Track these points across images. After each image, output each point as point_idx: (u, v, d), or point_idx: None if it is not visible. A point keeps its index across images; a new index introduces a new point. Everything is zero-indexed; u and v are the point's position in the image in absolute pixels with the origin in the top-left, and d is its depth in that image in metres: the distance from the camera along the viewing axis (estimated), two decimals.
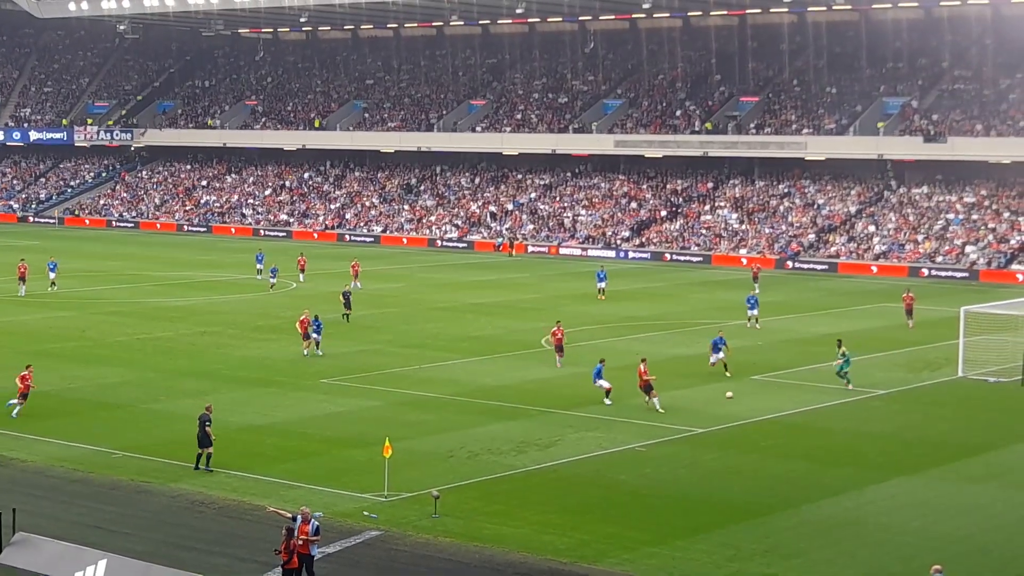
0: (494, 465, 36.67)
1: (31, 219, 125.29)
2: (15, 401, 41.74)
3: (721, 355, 49.79)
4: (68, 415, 42.25)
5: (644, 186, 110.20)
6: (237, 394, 45.48)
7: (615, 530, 30.94)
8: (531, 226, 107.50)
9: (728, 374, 48.98)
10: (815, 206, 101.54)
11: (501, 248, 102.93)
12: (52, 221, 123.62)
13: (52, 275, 72.23)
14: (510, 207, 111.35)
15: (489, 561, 28.88)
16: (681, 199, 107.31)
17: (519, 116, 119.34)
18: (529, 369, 51.25)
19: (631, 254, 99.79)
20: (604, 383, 44.50)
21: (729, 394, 45.49)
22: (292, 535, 26.65)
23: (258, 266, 78.67)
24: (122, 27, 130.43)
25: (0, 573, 28.01)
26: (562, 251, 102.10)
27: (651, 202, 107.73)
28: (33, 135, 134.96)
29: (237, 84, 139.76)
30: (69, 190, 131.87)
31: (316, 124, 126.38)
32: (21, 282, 69.58)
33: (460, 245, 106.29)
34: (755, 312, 62.56)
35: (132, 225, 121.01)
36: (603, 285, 72.62)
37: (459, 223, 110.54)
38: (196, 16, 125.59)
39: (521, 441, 39.34)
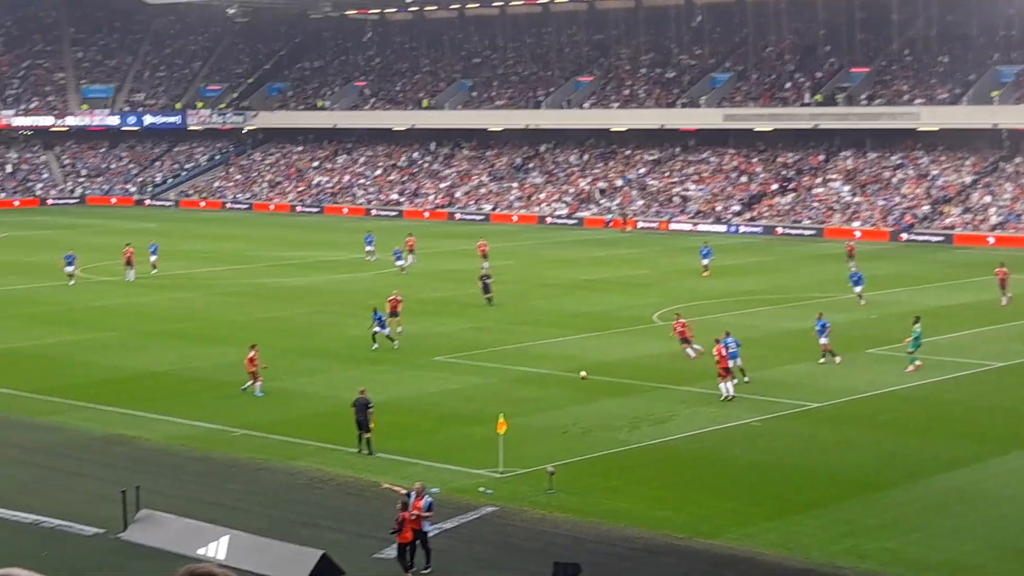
0: (608, 441, 36.75)
1: (147, 202, 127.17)
2: (249, 384, 42.40)
3: (825, 340, 46.94)
4: (188, 394, 42.96)
5: (754, 159, 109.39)
6: (352, 372, 45.90)
7: (731, 505, 30.89)
8: (640, 202, 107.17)
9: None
10: (929, 177, 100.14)
11: (612, 224, 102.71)
12: (168, 204, 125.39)
13: (153, 258, 72.64)
14: (619, 183, 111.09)
15: (605, 537, 28.97)
16: (792, 172, 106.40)
17: (627, 92, 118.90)
18: (642, 345, 51.13)
19: (742, 228, 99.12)
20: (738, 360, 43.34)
21: (583, 373, 43.34)
22: (407, 508, 26.97)
23: (368, 247, 78.69)
24: (232, 11, 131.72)
25: (125, 549, 28.62)
26: (672, 226, 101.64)
27: (761, 176, 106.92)
28: (148, 119, 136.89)
29: (346, 65, 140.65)
30: (184, 173, 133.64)
31: (424, 104, 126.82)
32: (128, 266, 69.98)
33: (570, 222, 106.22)
34: (859, 289, 61.16)
35: (246, 207, 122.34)
36: (707, 262, 71.80)
37: (568, 200, 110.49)
38: None
39: (635, 417, 39.36)
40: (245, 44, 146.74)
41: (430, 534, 27.55)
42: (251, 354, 42.60)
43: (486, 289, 60.82)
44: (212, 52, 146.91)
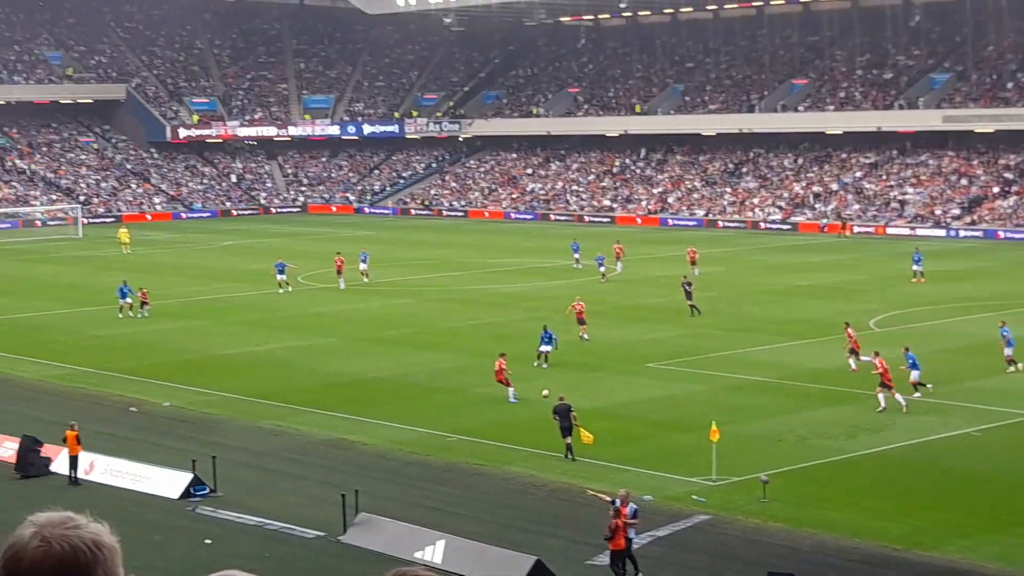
0: (824, 450, 36.33)
1: (366, 210, 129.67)
2: (512, 392, 42.98)
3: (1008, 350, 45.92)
4: (404, 399, 43.74)
5: (975, 162, 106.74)
6: (565, 378, 46.15)
7: (950, 517, 30.31)
8: (856, 206, 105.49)
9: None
10: None
11: (826, 229, 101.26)
12: (386, 212, 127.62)
13: (363, 266, 73.41)
14: (834, 187, 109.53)
15: (820, 547, 28.69)
16: (1015, 174, 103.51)
17: (842, 94, 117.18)
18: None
19: (962, 232, 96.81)
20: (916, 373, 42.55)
21: (545, 392, 41.12)
22: (619, 515, 27.13)
23: (575, 255, 78.61)
24: (448, 20, 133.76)
25: (344, 552, 29.31)
26: (889, 231, 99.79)
27: (982, 178, 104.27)
28: (367, 129, 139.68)
29: (559, 72, 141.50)
30: (401, 181, 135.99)
31: (637, 109, 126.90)
32: (339, 275, 71.01)
33: (783, 227, 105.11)
34: None
35: (461, 214, 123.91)
36: (919, 268, 70.13)
37: (782, 204, 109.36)
38: (519, 6, 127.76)
39: (851, 425, 38.84)
40: (461, 53, 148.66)
41: (634, 542, 27.64)
42: (500, 363, 43.10)
43: (688, 296, 59.96)
44: (429, 61, 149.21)
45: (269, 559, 28.32)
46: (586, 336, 53.17)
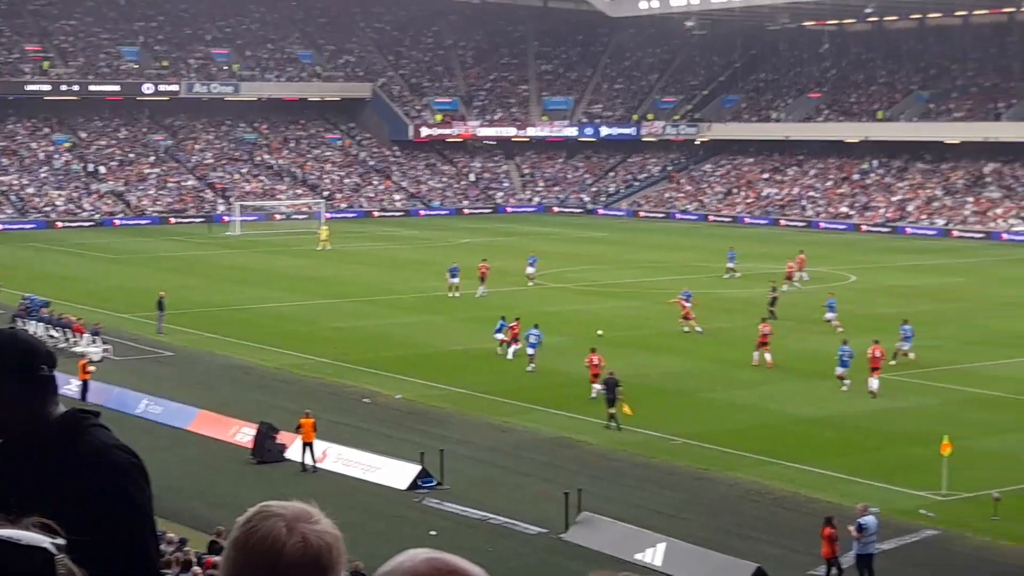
0: None
1: (599, 212, 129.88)
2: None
3: None
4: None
5: None
6: (793, 385, 45.86)
7: None
8: None
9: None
10: None
11: None
12: (620, 214, 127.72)
13: (531, 270, 72.24)
14: None
15: None
16: None
17: None
18: None
19: None
20: None
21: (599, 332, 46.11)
22: (828, 525, 27.08)
23: (728, 264, 77.01)
24: (690, 23, 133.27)
25: (565, 550, 29.63)
26: None
27: None
28: (604, 131, 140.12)
29: (800, 77, 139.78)
30: (636, 184, 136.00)
31: (879, 116, 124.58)
32: (481, 282, 68.67)
33: None
34: None
35: (695, 218, 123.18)
36: None
37: None
38: (761, 10, 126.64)
39: None
40: (701, 56, 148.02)
41: (842, 555, 27.30)
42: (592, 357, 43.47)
43: (772, 303, 60.39)
44: (669, 64, 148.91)
45: (492, 552, 28.78)
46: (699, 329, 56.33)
